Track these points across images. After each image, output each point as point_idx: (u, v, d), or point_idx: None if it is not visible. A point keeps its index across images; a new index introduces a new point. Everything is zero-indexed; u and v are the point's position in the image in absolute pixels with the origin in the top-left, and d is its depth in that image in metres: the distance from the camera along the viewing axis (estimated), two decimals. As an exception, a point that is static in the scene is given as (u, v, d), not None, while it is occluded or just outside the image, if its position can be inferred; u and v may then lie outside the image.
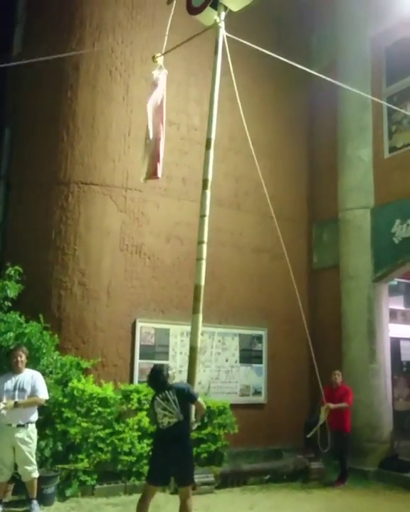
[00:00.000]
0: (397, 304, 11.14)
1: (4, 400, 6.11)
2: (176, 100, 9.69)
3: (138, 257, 9.02)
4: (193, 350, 5.34)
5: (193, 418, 5.31)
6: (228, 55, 6.04)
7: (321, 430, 8.30)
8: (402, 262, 9.37)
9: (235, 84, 6.26)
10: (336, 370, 8.71)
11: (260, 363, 9.94)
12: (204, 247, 5.56)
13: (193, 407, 5.33)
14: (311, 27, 11.76)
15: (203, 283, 5.50)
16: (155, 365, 5.70)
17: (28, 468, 6.23)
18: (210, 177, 5.76)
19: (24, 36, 10.69)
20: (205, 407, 5.43)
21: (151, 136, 6.25)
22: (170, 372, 5.53)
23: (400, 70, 10.04)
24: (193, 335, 5.38)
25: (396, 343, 10.61)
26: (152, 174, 6.17)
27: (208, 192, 5.71)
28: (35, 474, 6.29)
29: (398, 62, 10.11)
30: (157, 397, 5.32)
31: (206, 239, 5.60)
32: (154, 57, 6.42)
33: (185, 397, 5.23)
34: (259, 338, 10.00)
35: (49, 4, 9.78)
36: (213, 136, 5.86)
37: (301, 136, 11.41)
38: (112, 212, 8.93)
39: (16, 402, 6.13)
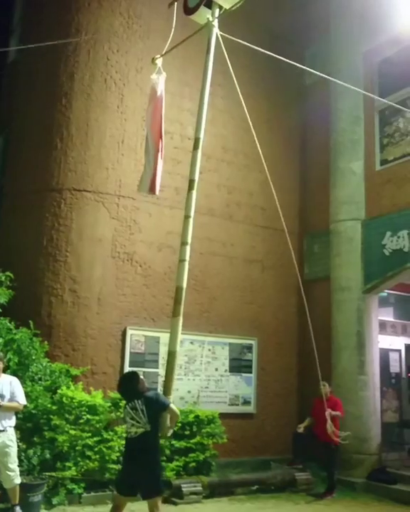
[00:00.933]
0: (387, 316, 11.21)
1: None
2: (170, 110, 9.72)
3: (129, 265, 9.03)
4: (171, 355, 5.11)
5: (168, 423, 5.07)
6: (225, 53, 6.04)
7: (309, 442, 8.34)
8: (392, 274, 9.42)
9: (236, 82, 6.20)
10: (322, 381, 8.70)
11: (250, 372, 9.93)
12: (187, 248, 5.43)
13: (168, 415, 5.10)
14: (305, 42, 11.89)
15: (185, 285, 5.34)
16: (125, 373, 5.53)
17: (10, 473, 6.08)
18: (196, 178, 5.67)
19: (19, 44, 10.75)
20: (178, 413, 5.20)
21: (150, 148, 6.21)
22: (141, 378, 5.33)
23: (392, 84, 10.19)
24: (172, 339, 5.16)
25: (385, 355, 10.66)
26: (150, 189, 6.11)
27: (194, 193, 5.60)
28: (17, 480, 6.14)
29: (390, 76, 10.27)
30: (127, 406, 5.17)
31: (189, 240, 5.47)
32: (153, 60, 6.44)
33: (155, 405, 5.03)
34: (249, 348, 10.00)
35: (45, 13, 9.86)
36: (201, 136, 5.78)
37: (294, 148, 11.51)
38: (105, 220, 8.94)
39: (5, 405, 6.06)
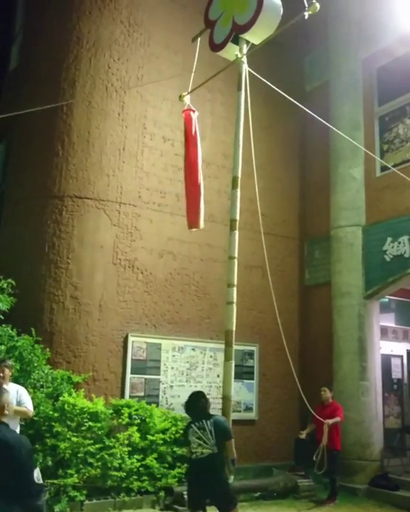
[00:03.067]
0: (388, 321, 11.21)
1: None
2: (170, 117, 9.81)
3: (131, 272, 9.05)
4: (226, 400, 5.17)
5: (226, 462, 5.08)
6: (248, 89, 6.03)
7: (311, 448, 8.33)
8: (393, 280, 9.43)
9: (250, 118, 6.19)
10: (323, 387, 8.72)
11: (252, 379, 9.93)
12: (234, 290, 5.31)
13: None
14: (304, 49, 11.96)
15: (234, 328, 5.26)
16: (194, 392, 5.52)
17: None
18: (238, 217, 5.51)
19: (21, 52, 10.82)
20: (234, 452, 5.21)
21: (200, 184, 6.17)
22: (208, 399, 5.39)
23: (391, 90, 10.24)
24: (226, 383, 5.16)
25: (386, 360, 10.65)
26: (193, 223, 6.08)
27: (236, 233, 5.47)
28: None
29: (390, 82, 10.32)
30: (193, 425, 5.17)
31: (235, 282, 5.33)
32: (181, 97, 6.46)
33: (222, 431, 5.08)
34: (251, 354, 10.00)
35: (46, 21, 9.91)
36: (239, 174, 5.63)
37: (294, 154, 11.55)
38: (106, 227, 8.97)
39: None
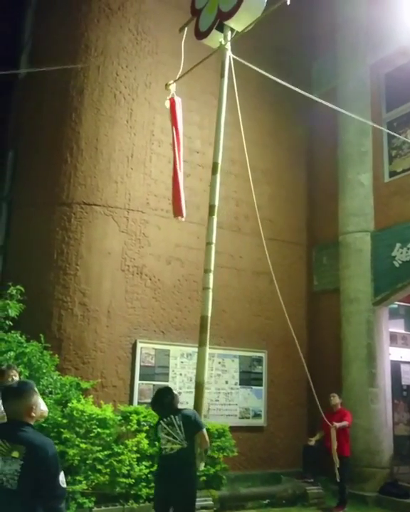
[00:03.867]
0: (397, 328, 11.14)
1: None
2: (185, 115, 9.81)
3: (139, 278, 9.06)
4: (199, 387, 4.99)
5: (197, 451, 5.01)
6: (234, 77, 6.08)
7: (320, 455, 8.29)
8: (402, 286, 9.39)
9: (239, 108, 6.26)
10: (332, 393, 8.68)
11: (260, 385, 9.90)
12: (211, 276, 5.30)
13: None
14: (312, 54, 11.99)
15: (209, 313, 5.21)
16: (160, 388, 5.46)
17: None
18: (217, 203, 5.56)
19: (30, 60, 10.90)
20: (208, 440, 5.16)
21: (179, 171, 6.20)
22: (176, 394, 5.33)
23: (399, 96, 10.24)
24: (199, 370, 4.98)
25: (396, 367, 10.58)
26: (177, 213, 6.07)
27: (215, 218, 5.49)
28: None
29: (398, 88, 10.32)
30: (161, 422, 5.13)
31: (212, 267, 5.35)
32: (166, 85, 6.50)
33: (191, 424, 4.99)
34: (259, 361, 9.98)
35: (55, 29, 9.99)
36: (219, 161, 5.69)
37: (301, 160, 11.55)
38: (114, 233, 9.00)
39: None
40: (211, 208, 5.56)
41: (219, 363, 9.51)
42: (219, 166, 5.73)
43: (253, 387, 9.81)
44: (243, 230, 10.45)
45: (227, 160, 10.50)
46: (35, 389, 3.18)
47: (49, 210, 8.96)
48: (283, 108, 11.23)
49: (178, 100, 6.41)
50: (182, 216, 6.11)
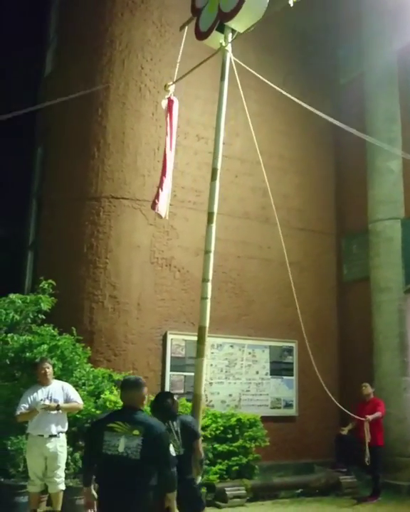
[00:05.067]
0: (429, 316, 10.98)
1: (46, 402, 6.18)
2: (203, 115, 9.83)
3: (168, 270, 9.13)
4: (197, 398, 4.86)
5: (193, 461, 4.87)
6: (237, 77, 6.00)
7: (353, 444, 8.27)
8: (434, 274, 9.28)
9: (245, 106, 6.16)
10: (364, 383, 8.63)
11: (291, 375, 9.90)
12: (209, 285, 5.15)
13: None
14: (337, 41, 11.82)
15: (207, 324, 5.04)
16: (160, 392, 5.34)
17: (57, 479, 6.22)
18: (215, 210, 5.38)
19: (55, 57, 11.01)
20: (202, 452, 5.02)
21: (166, 169, 6.13)
22: (176, 400, 5.18)
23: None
24: (197, 382, 4.85)
25: (428, 356, 10.44)
26: (153, 207, 5.94)
27: (214, 226, 5.33)
28: (62, 486, 6.27)
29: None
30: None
31: (210, 277, 5.22)
32: (165, 86, 6.48)
33: (188, 431, 4.89)
34: (289, 351, 9.97)
35: (79, 25, 10.07)
36: (219, 166, 5.52)
37: (328, 148, 11.43)
38: (142, 226, 9.07)
39: (58, 405, 6.19)
40: (210, 215, 5.41)
41: (249, 353, 9.53)
42: (218, 171, 5.56)
43: (284, 377, 9.81)
44: (271, 220, 10.38)
45: (253, 151, 10.43)
46: (142, 382, 3.92)
47: (78, 205, 9.07)
48: (310, 96, 11.08)
49: (176, 101, 6.37)
50: (157, 211, 5.92)
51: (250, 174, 10.11)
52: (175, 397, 5.20)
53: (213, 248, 5.33)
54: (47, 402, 6.15)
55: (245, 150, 10.03)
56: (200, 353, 4.92)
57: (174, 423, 4.92)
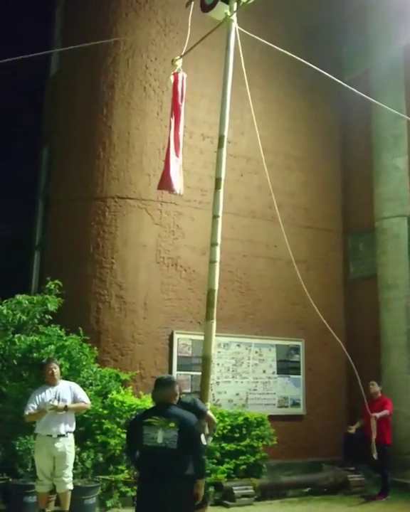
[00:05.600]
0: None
1: (55, 403, 6.20)
2: (209, 114, 9.82)
3: (174, 270, 9.13)
4: (206, 361, 4.88)
5: (206, 431, 4.81)
6: (241, 53, 5.81)
7: (361, 443, 8.24)
8: (441, 271, 9.23)
9: (247, 85, 6.09)
10: (371, 381, 8.60)
11: (298, 374, 9.88)
12: (217, 249, 5.27)
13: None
14: (342, 38, 11.77)
15: (217, 287, 5.17)
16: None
17: (65, 479, 6.24)
18: (223, 176, 5.43)
19: (60, 58, 11.02)
20: (216, 419, 5.19)
21: (172, 146, 6.03)
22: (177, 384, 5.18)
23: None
24: (206, 344, 4.92)
25: (437, 354, 10.39)
26: (161, 186, 5.84)
27: (221, 191, 5.41)
28: (70, 486, 6.28)
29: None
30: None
31: (219, 240, 5.30)
32: (173, 61, 6.36)
33: (191, 412, 4.75)
34: (296, 349, 9.95)
35: (84, 25, 10.07)
36: (226, 134, 5.50)
37: (334, 146, 11.39)
38: (148, 226, 9.08)
39: (66, 406, 6.21)
40: (217, 181, 5.41)
41: (256, 352, 9.52)
42: (225, 138, 5.50)
43: (291, 376, 9.80)
44: (277, 218, 10.36)
45: (258, 149, 10.44)
46: (173, 380, 4.40)
47: (84, 205, 9.09)
48: (314, 94, 11.08)
49: (183, 76, 6.22)
50: (170, 190, 5.85)
51: (256, 173, 10.10)
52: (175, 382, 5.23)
53: (220, 214, 5.36)
54: (55, 403, 6.17)
55: (251, 148, 10.00)
56: (210, 316, 5.06)
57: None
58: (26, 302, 7.48)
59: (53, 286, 7.82)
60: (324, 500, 8.01)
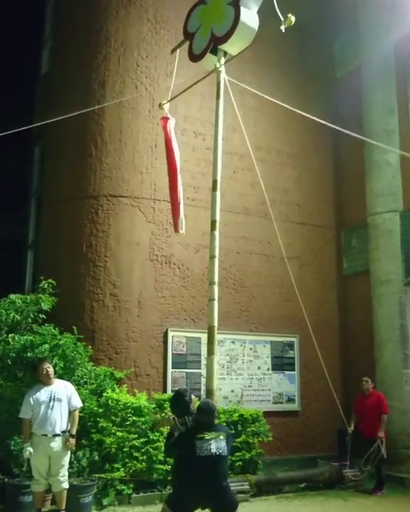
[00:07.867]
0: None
1: (65, 439, 6.32)
2: (201, 111, 9.82)
3: (168, 267, 9.14)
4: (210, 394, 5.17)
5: None
6: (232, 98, 6.17)
7: (355, 438, 8.29)
8: (434, 266, 9.27)
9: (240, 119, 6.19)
10: (364, 377, 8.66)
11: (293, 370, 9.91)
12: (216, 288, 5.33)
13: None
14: (334, 33, 11.77)
15: (216, 324, 5.27)
16: (178, 389, 5.55)
17: (61, 478, 6.27)
18: (218, 218, 5.61)
19: (51, 55, 10.98)
20: None
21: (178, 190, 6.29)
22: (192, 397, 5.36)
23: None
24: (209, 377, 5.20)
25: (430, 348, 10.45)
26: (176, 229, 6.31)
27: (217, 233, 5.56)
28: (65, 485, 6.32)
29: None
30: (177, 422, 5.15)
31: (216, 280, 5.38)
32: (160, 105, 6.54)
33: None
34: (291, 346, 9.98)
35: (75, 24, 10.03)
36: (219, 178, 5.70)
37: (326, 142, 11.40)
38: (141, 224, 9.07)
39: (72, 435, 6.36)
40: (213, 223, 5.58)
41: (251, 349, 9.54)
42: (218, 183, 5.71)
43: (286, 372, 9.83)
44: (270, 215, 10.39)
45: (252, 146, 10.40)
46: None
47: (77, 203, 9.07)
48: (306, 90, 11.08)
49: (171, 121, 6.47)
50: (178, 232, 6.36)
51: (249, 169, 10.09)
52: (192, 395, 5.40)
53: (217, 254, 5.50)
54: (70, 442, 6.34)
55: (244, 145, 9.98)
56: (211, 351, 5.25)
57: (190, 418, 5.17)
58: (20, 301, 7.45)
59: (46, 285, 7.79)
60: (320, 496, 8.06)
